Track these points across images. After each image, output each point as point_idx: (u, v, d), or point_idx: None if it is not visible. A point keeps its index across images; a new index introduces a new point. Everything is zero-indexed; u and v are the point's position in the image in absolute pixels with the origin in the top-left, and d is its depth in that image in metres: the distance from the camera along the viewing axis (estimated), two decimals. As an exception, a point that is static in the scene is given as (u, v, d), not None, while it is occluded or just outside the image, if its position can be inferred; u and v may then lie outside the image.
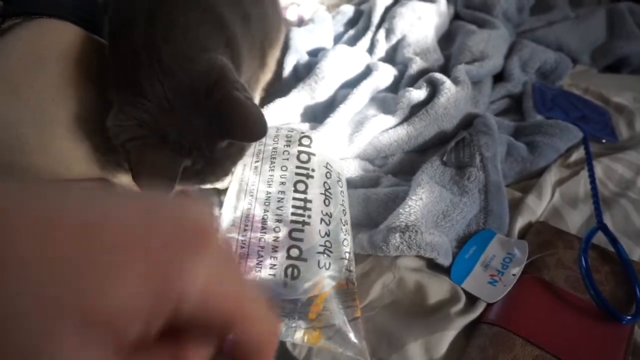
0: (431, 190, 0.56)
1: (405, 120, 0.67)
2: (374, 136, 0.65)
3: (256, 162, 0.55)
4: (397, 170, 0.65)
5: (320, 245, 0.48)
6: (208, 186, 0.53)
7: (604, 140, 0.71)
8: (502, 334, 0.45)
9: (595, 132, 0.71)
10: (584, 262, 0.49)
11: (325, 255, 0.47)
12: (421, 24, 0.83)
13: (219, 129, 0.44)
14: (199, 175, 0.48)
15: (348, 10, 0.96)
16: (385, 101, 0.70)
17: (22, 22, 0.49)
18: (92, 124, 0.47)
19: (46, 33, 0.49)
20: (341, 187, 0.55)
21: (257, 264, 0.46)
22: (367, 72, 0.76)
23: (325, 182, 0.53)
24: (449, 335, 0.46)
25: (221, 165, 0.49)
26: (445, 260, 0.52)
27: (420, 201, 0.54)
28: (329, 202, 0.52)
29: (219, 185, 0.53)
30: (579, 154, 0.66)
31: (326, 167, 0.55)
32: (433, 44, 0.83)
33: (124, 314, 0.17)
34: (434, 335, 0.46)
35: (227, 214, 0.51)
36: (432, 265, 0.52)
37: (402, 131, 0.65)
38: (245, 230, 0.49)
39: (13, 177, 0.41)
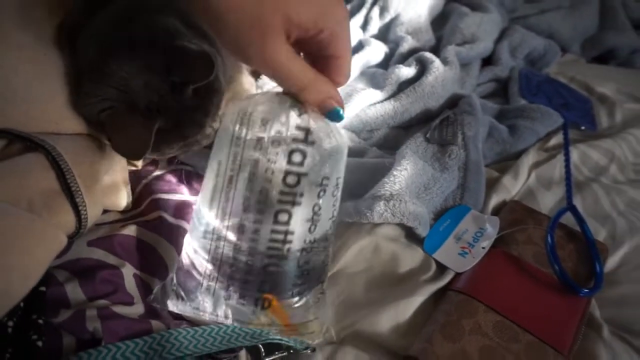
0: (415, 163, 0.58)
1: (393, 95, 0.69)
2: (362, 109, 0.67)
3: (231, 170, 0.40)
4: (382, 144, 0.68)
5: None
6: (195, 149, 0.54)
7: (583, 128, 0.73)
8: (467, 301, 0.48)
9: (576, 119, 0.73)
10: (550, 239, 0.52)
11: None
12: (415, 3, 0.84)
13: (173, 79, 0.45)
14: (177, 133, 0.49)
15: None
16: (374, 76, 0.72)
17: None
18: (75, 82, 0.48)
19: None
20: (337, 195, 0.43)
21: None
22: (359, 47, 0.77)
23: (315, 204, 0.41)
24: (417, 300, 0.49)
25: (192, 117, 0.49)
26: (423, 231, 0.54)
27: (405, 171, 0.56)
28: (314, 229, 0.42)
29: (204, 141, 0.53)
30: (557, 139, 0.69)
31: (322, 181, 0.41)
32: (426, 24, 0.84)
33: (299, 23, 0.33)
34: (402, 301, 0.48)
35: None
36: (409, 235, 0.54)
37: (389, 106, 0.67)
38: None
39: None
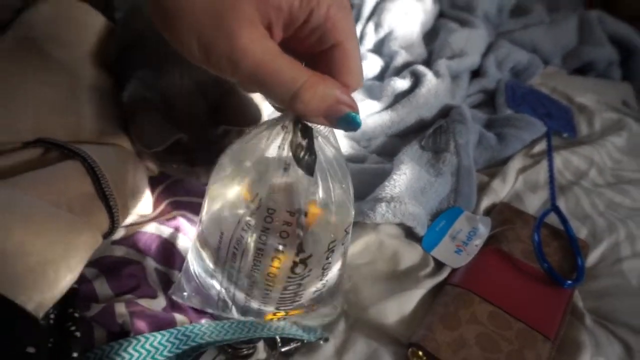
0: (412, 168, 0.62)
1: (390, 106, 0.74)
2: (361, 119, 0.71)
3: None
4: (380, 151, 0.72)
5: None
6: (192, 178, 0.58)
7: (565, 135, 0.79)
8: (463, 293, 0.52)
9: (558, 127, 0.79)
10: (536, 237, 0.57)
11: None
12: (408, 19, 0.90)
13: (219, 115, 0.50)
14: (190, 153, 0.53)
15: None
16: (372, 88, 0.77)
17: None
18: (106, 97, 0.52)
19: (64, 10, 0.53)
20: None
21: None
22: (357, 61, 0.82)
23: (325, 264, 0.40)
24: (418, 293, 0.53)
25: (212, 150, 0.52)
26: (421, 230, 0.59)
27: (404, 176, 0.60)
28: (326, 274, 0.42)
29: (203, 179, 0.56)
30: (541, 146, 0.74)
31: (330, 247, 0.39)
32: (418, 39, 0.89)
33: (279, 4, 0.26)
34: (405, 293, 0.53)
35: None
36: (408, 234, 0.59)
37: (386, 116, 0.71)
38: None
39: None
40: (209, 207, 0.40)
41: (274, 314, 0.45)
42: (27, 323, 0.35)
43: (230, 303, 0.44)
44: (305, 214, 0.36)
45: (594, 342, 0.51)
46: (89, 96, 0.49)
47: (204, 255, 0.43)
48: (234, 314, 0.45)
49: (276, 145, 0.35)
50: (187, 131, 0.51)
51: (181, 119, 0.51)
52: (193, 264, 0.45)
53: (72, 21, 0.52)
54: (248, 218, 0.36)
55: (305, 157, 0.34)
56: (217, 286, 0.43)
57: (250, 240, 0.37)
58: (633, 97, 0.96)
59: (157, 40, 0.52)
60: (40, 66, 0.47)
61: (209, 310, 0.48)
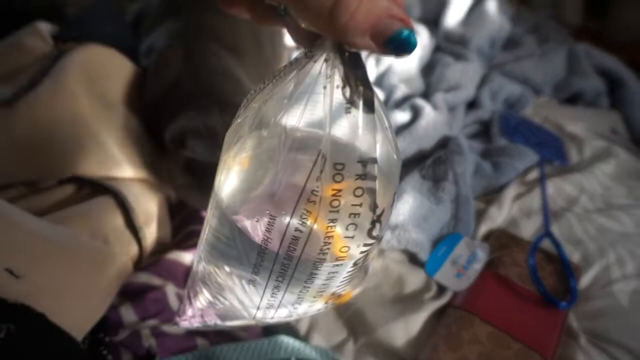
0: (414, 197, 0.67)
1: (391, 138, 0.78)
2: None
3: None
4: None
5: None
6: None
7: (556, 163, 0.83)
8: (465, 315, 0.56)
9: (550, 156, 0.83)
10: (532, 261, 0.61)
11: None
12: (406, 54, 0.95)
13: None
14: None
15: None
16: (374, 121, 0.81)
17: (77, 46, 0.58)
18: (134, 138, 0.56)
19: (96, 57, 0.58)
20: None
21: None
22: (359, 95, 0.87)
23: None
24: (423, 315, 0.57)
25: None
26: (424, 256, 0.63)
27: (407, 204, 0.65)
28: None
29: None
30: (535, 174, 0.79)
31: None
32: (416, 73, 0.95)
33: None
34: (411, 315, 0.56)
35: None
36: (412, 260, 0.63)
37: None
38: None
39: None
40: (240, 196, 0.32)
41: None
42: (70, 347, 0.38)
43: (258, 312, 0.37)
44: (375, 161, 0.29)
45: (588, 360, 0.54)
46: (119, 137, 0.53)
47: (233, 263, 0.35)
48: (261, 321, 0.39)
49: (321, 86, 0.28)
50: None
51: None
52: (210, 279, 0.38)
53: (103, 67, 0.56)
54: (313, 184, 0.29)
55: (363, 91, 0.28)
56: (254, 295, 0.36)
57: (319, 211, 0.29)
58: (621, 124, 1.01)
59: (191, 84, 0.57)
60: (74, 112, 0.51)
61: (226, 324, 0.43)
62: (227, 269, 0.36)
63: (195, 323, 0.45)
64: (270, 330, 0.54)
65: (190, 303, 0.44)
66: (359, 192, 0.29)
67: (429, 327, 0.57)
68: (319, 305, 0.37)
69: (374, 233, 0.31)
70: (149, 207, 0.52)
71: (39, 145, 0.49)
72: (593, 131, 0.94)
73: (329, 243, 0.31)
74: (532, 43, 1.15)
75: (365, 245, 0.32)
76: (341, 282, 0.34)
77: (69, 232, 0.42)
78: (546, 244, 0.66)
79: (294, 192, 0.30)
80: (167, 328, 0.52)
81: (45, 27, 0.60)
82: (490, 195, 0.75)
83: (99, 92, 0.55)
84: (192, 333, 0.53)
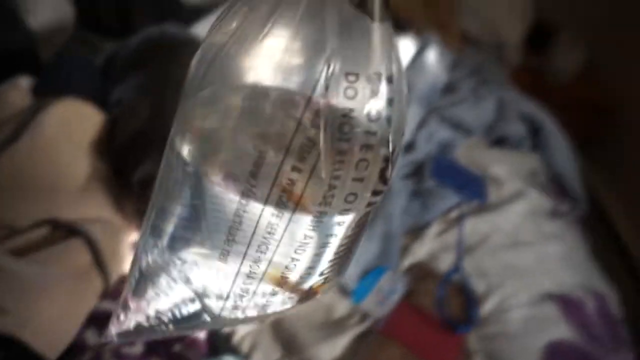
0: (346, 234, 0.78)
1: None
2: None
3: None
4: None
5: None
6: None
7: (476, 202, 0.96)
8: (383, 339, 0.67)
9: (471, 195, 0.96)
10: (440, 292, 0.73)
11: None
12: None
13: None
14: None
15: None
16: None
17: (53, 100, 0.67)
18: (103, 182, 0.65)
19: (70, 111, 0.67)
20: None
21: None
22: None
23: None
24: (347, 338, 0.68)
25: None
26: (352, 286, 0.73)
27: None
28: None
29: None
30: (456, 213, 0.91)
31: None
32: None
33: None
34: (337, 338, 0.67)
35: None
36: (341, 290, 0.74)
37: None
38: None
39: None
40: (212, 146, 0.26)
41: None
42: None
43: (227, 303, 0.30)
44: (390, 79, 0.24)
45: (482, 377, 0.66)
46: (90, 183, 0.62)
47: (202, 239, 0.28)
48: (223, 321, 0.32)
49: None
50: None
51: None
52: (169, 272, 0.31)
53: (77, 119, 0.65)
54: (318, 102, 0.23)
55: None
56: (225, 279, 0.29)
57: (324, 141, 0.23)
58: (540, 166, 1.15)
59: (156, 132, 0.66)
60: (51, 162, 0.60)
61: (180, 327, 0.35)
62: (195, 250, 0.28)
63: (134, 331, 0.35)
64: (215, 350, 0.64)
65: (129, 310, 0.35)
66: (374, 114, 0.23)
67: (352, 348, 0.67)
68: (290, 303, 0.33)
69: (387, 175, 0.26)
70: (114, 245, 0.61)
71: (18, 192, 0.57)
72: (513, 173, 1.07)
73: (334, 187, 0.24)
74: (467, 88, 1.28)
75: (374, 194, 0.26)
76: (333, 257, 0.29)
77: (45, 272, 0.50)
78: (458, 276, 0.78)
79: (291, 115, 0.23)
80: (125, 349, 0.61)
81: (25, 82, 0.69)
82: (416, 232, 0.87)
83: (74, 142, 0.64)
84: (148, 353, 0.62)
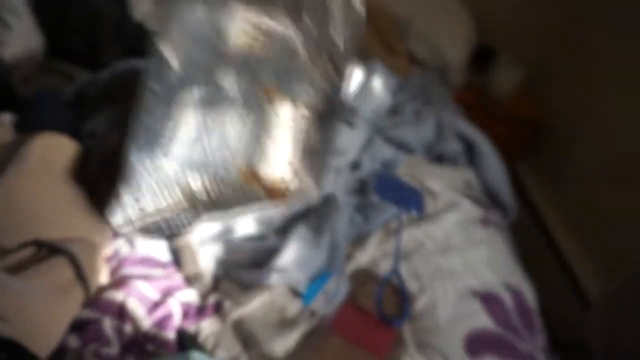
0: (298, 246, 0.89)
1: (286, 197, 1.00)
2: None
3: None
4: (279, 230, 0.98)
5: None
6: None
7: (414, 214, 1.09)
8: (329, 332, 0.78)
9: (409, 208, 1.09)
10: (379, 293, 0.85)
11: None
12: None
13: None
14: None
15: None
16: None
17: (33, 135, 0.76)
18: (79, 205, 0.75)
19: (49, 144, 0.76)
20: None
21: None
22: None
23: None
24: (297, 334, 0.79)
25: None
26: (302, 290, 0.85)
27: (292, 251, 0.87)
28: None
29: None
30: (395, 224, 1.04)
31: None
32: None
33: None
34: (289, 334, 0.78)
35: None
36: (293, 292, 0.85)
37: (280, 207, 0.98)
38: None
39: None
40: None
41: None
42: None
43: None
44: None
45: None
46: (69, 207, 0.72)
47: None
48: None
49: None
50: None
51: None
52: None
53: (55, 151, 0.75)
54: None
55: None
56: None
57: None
58: (473, 179, 1.30)
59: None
60: (35, 190, 0.69)
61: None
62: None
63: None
64: (183, 348, 0.73)
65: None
66: None
67: (302, 342, 0.78)
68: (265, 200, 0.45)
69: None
70: (92, 261, 0.70)
71: (6, 218, 0.66)
72: (448, 186, 1.21)
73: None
74: (410, 110, 1.42)
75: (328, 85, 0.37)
76: (297, 148, 0.43)
77: (35, 286, 0.60)
78: (395, 278, 0.91)
79: None
80: (103, 350, 0.70)
81: (7, 118, 0.78)
82: (359, 241, 0.99)
83: (53, 173, 0.73)
84: (124, 353, 0.72)
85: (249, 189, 0.55)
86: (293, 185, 0.37)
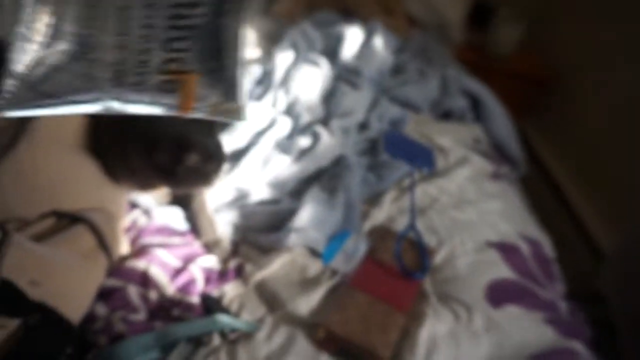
0: (313, 207, 0.89)
1: (297, 159, 1.00)
2: (277, 171, 0.97)
3: None
4: (292, 193, 0.98)
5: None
6: None
7: (426, 170, 1.08)
8: (350, 289, 0.79)
9: (421, 165, 1.08)
10: (398, 247, 0.85)
11: None
12: (310, 86, 1.17)
13: None
14: None
15: (256, 70, 1.27)
16: (284, 146, 1.03)
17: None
18: (96, 179, 0.74)
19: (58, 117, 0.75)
20: None
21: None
22: (272, 123, 1.08)
23: None
24: (320, 292, 0.79)
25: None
26: (321, 249, 0.85)
27: (308, 212, 0.86)
28: None
29: None
30: (408, 181, 1.03)
31: None
32: (317, 101, 1.17)
33: None
34: (312, 293, 0.78)
35: None
36: (312, 252, 0.85)
37: (295, 168, 0.98)
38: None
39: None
40: None
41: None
42: (69, 330, 0.57)
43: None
44: None
45: (435, 313, 0.79)
46: (83, 176, 0.71)
47: None
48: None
49: None
50: None
51: None
52: None
53: (63, 123, 0.73)
54: None
55: None
56: None
57: None
58: (482, 135, 1.29)
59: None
60: (47, 160, 0.68)
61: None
62: None
63: None
64: (209, 311, 0.74)
65: None
66: None
67: (325, 299, 0.79)
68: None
69: None
70: (111, 229, 0.70)
71: (22, 190, 0.65)
72: (458, 142, 1.21)
73: None
74: (413, 69, 1.41)
75: None
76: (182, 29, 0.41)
77: (62, 253, 0.59)
78: (412, 234, 0.91)
79: None
80: (131, 317, 0.71)
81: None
82: (374, 199, 0.99)
83: (63, 143, 0.72)
84: (152, 319, 0.72)
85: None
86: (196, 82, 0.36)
